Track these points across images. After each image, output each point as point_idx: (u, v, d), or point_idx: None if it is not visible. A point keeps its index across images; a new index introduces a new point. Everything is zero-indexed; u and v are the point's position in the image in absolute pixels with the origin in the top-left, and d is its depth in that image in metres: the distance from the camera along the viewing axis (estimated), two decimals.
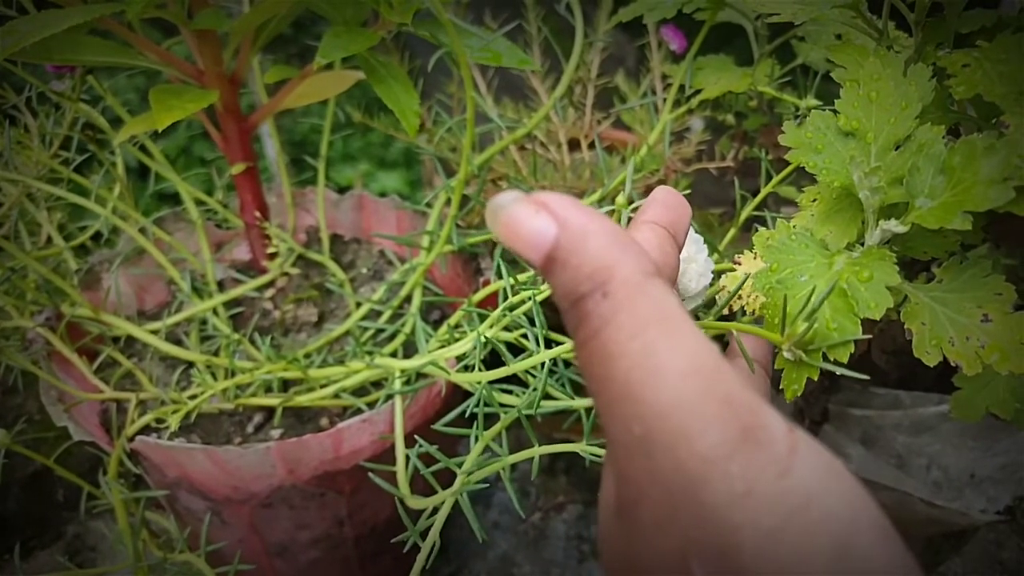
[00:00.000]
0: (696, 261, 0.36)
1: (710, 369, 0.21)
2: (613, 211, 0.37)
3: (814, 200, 0.42)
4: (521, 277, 0.45)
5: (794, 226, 0.41)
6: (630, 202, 0.36)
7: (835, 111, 0.40)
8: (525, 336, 0.54)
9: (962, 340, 0.36)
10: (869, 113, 0.40)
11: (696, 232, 0.37)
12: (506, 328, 0.53)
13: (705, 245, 0.38)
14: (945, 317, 0.37)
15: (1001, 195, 0.32)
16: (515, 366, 0.42)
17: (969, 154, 0.34)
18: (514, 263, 0.64)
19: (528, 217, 0.24)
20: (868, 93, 0.40)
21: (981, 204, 0.33)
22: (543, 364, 0.43)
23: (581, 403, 0.48)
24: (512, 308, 0.44)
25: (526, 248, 0.24)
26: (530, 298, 0.43)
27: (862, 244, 0.38)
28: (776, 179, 0.46)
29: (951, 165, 0.35)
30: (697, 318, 0.38)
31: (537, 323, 0.43)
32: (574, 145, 0.90)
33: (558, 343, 0.58)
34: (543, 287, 0.45)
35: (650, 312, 0.22)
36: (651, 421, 0.21)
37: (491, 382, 0.47)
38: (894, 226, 0.36)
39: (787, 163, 0.45)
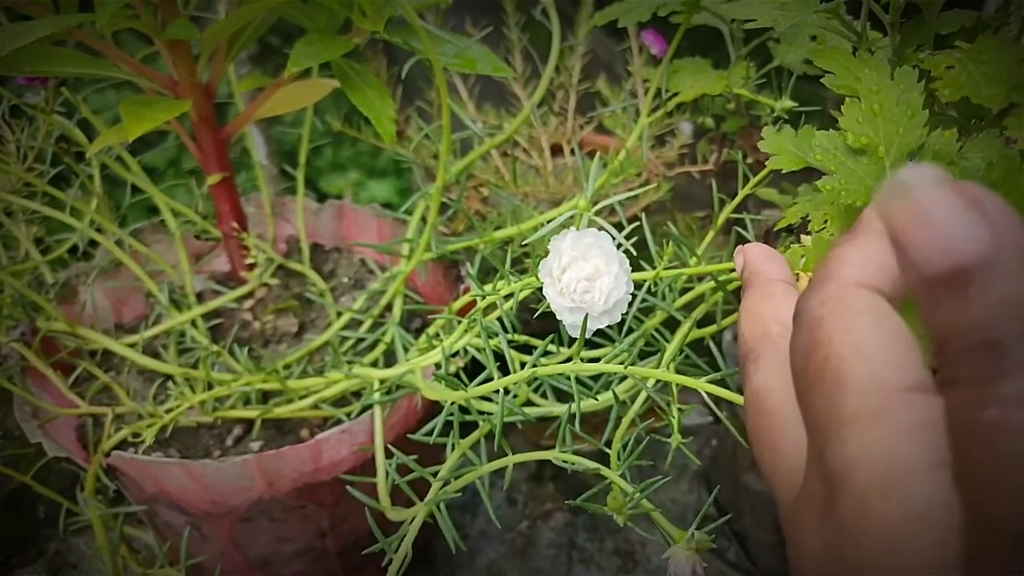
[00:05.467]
0: (607, 274, 0.35)
1: None
2: (574, 215, 0.37)
3: (825, 222, 0.41)
4: (487, 287, 0.45)
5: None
6: (594, 204, 0.36)
7: (838, 129, 0.39)
8: (511, 342, 0.53)
9: None
10: (876, 127, 0.38)
11: (609, 242, 0.36)
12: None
13: (620, 256, 0.36)
14: None
15: None
16: (474, 390, 0.41)
17: (1009, 169, 0.33)
18: (493, 271, 0.63)
19: (952, 210, 0.18)
20: (871, 107, 0.39)
21: None
22: (532, 371, 0.43)
23: (560, 409, 0.47)
24: (484, 315, 0.44)
25: (935, 250, 0.18)
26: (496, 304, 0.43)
27: None
28: (752, 182, 0.46)
29: (991, 180, 0.33)
30: (609, 340, 0.37)
31: (485, 345, 0.42)
32: (557, 150, 0.90)
33: (546, 351, 0.58)
34: (513, 292, 0.45)
35: None
36: None
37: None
38: None
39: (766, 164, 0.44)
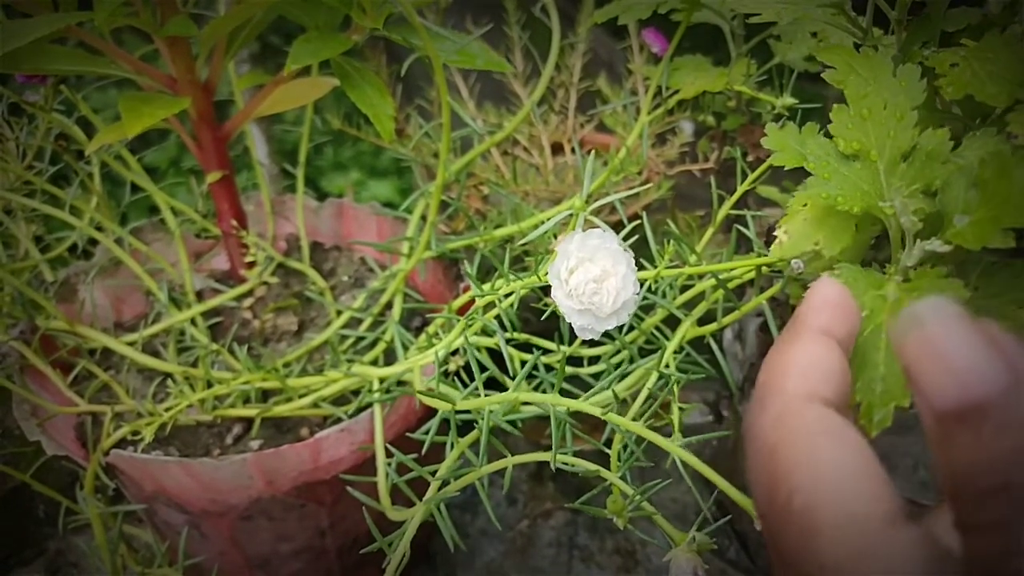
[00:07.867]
0: (614, 276, 0.35)
1: None
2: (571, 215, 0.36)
3: (804, 204, 0.41)
4: (486, 286, 0.45)
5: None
6: (594, 202, 0.35)
7: (828, 135, 0.39)
8: (510, 341, 0.53)
9: None
10: (866, 132, 0.38)
11: (615, 243, 0.36)
12: (486, 333, 0.52)
13: (627, 256, 0.36)
14: None
15: None
16: (462, 404, 0.41)
17: (1001, 167, 0.32)
18: (493, 270, 0.63)
19: (968, 346, 0.18)
20: (860, 111, 0.38)
21: (1019, 218, 0.31)
22: (534, 363, 0.43)
23: (561, 405, 0.47)
24: (480, 316, 0.44)
25: (949, 384, 0.18)
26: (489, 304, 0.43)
27: (880, 263, 0.37)
28: (750, 179, 0.45)
29: (984, 179, 0.33)
30: (610, 338, 0.37)
31: (470, 352, 0.42)
32: (557, 149, 0.89)
33: (544, 349, 0.57)
34: (513, 291, 0.44)
35: None
36: None
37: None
38: (938, 246, 0.33)
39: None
